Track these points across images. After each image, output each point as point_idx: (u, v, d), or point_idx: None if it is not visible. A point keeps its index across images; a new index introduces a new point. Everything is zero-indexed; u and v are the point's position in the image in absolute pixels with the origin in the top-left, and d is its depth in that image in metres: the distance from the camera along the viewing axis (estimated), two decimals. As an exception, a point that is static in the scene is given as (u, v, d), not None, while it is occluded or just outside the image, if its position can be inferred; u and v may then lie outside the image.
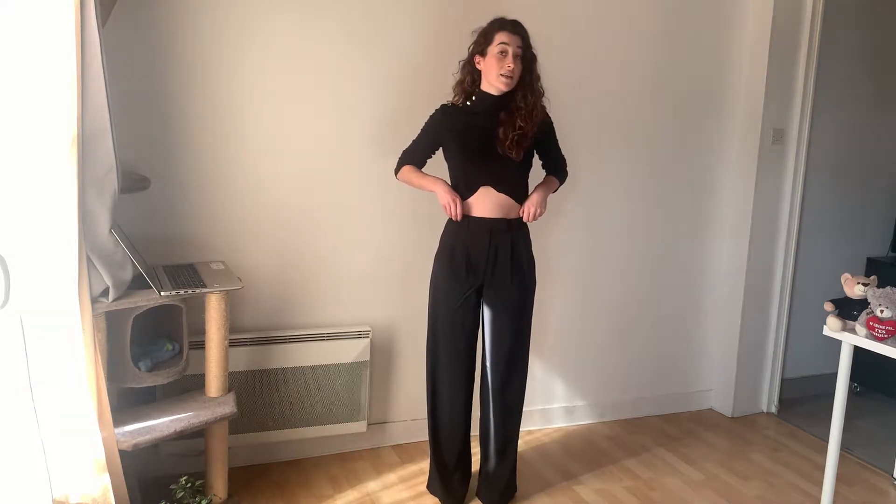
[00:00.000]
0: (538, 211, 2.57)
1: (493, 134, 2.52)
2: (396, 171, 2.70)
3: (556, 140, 2.70)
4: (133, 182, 2.45)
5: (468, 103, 2.60)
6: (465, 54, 2.58)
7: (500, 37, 2.47)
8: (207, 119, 2.72)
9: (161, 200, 2.69)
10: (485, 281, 2.59)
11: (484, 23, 2.53)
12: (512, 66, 2.45)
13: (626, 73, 3.33)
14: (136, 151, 2.59)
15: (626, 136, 3.40)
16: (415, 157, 2.67)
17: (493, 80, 2.49)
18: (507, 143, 2.49)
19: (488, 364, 2.66)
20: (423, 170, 2.67)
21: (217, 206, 2.78)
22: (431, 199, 2.96)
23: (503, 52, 2.46)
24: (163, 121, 2.67)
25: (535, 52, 2.54)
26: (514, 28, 2.48)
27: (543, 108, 2.57)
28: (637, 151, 3.43)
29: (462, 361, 2.64)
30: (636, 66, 3.35)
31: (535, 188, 2.64)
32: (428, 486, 2.82)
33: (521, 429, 2.78)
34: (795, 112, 3.53)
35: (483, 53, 2.51)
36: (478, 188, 2.54)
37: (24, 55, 1.94)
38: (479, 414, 2.76)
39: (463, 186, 2.57)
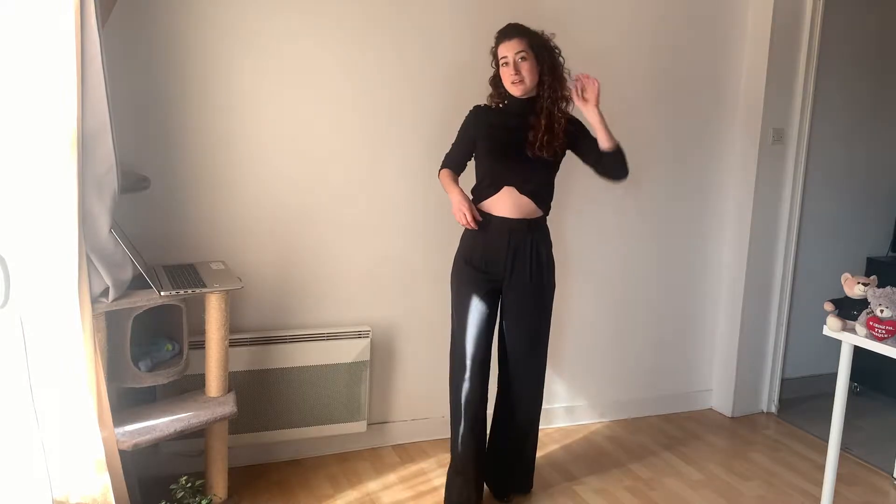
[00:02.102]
0: (592, 88, 2.53)
1: (522, 136, 2.52)
2: (439, 171, 2.70)
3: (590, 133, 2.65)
4: (133, 182, 2.45)
5: (500, 106, 2.61)
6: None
7: (501, 51, 2.50)
8: (207, 119, 2.72)
9: (161, 200, 2.69)
10: (503, 283, 2.58)
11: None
12: (514, 73, 2.47)
13: (626, 73, 3.33)
14: (136, 151, 2.59)
15: (626, 135, 3.35)
16: (453, 161, 2.68)
17: (509, 88, 2.52)
18: (538, 145, 2.50)
19: (509, 368, 2.64)
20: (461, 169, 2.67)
21: (217, 206, 2.78)
22: (431, 199, 2.97)
23: (506, 64, 2.49)
24: (163, 121, 2.67)
25: (546, 39, 2.52)
26: (509, 35, 2.49)
27: (566, 97, 2.55)
28: (637, 151, 3.39)
29: (481, 361, 2.60)
30: (636, 66, 3.35)
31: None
32: (445, 495, 2.69)
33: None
34: (795, 112, 3.53)
35: (497, 68, 2.55)
36: (501, 187, 2.54)
37: (24, 55, 1.94)
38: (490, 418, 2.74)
39: (487, 184, 2.57)
